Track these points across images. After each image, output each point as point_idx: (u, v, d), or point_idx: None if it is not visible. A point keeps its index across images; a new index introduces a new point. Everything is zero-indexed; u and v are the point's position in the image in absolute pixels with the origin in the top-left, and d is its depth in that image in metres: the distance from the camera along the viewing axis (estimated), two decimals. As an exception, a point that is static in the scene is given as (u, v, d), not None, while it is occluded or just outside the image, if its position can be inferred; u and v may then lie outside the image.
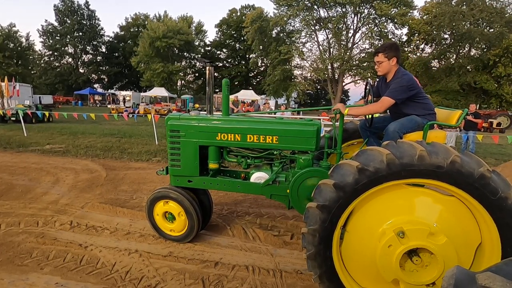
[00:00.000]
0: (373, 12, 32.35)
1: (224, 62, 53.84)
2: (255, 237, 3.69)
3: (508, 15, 28.97)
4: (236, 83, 48.41)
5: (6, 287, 2.67)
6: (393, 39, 33.47)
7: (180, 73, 48.73)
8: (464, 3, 29.56)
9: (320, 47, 36.31)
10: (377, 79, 3.55)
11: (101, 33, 55.91)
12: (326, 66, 34.75)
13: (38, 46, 67.14)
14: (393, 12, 31.29)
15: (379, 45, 31.86)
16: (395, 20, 32.01)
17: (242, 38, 46.19)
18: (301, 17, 34.04)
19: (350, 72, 35.92)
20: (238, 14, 49.37)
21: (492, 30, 29.20)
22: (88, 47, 55.02)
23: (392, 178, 2.09)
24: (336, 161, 3.09)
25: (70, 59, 54.67)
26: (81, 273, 2.89)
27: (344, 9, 33.29)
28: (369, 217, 2.26)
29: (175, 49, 46.68)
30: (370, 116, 3.23)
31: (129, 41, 55.44)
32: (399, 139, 2.76)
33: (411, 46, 35.72)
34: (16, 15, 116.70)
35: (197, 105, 33.84)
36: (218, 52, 53.57)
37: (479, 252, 2.16)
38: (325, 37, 36.09)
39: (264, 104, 18.12)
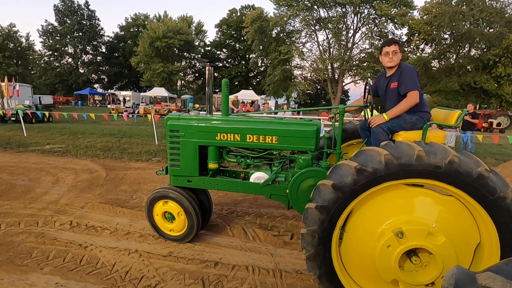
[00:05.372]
0: (373, 12, 32.33)
1: (224, 62, 53.83)
2: (255, 237, 3.69)
3: (508, 15, 28.96)
4: (236, 83, 48.40)
5: (6, 287, 2.67)
6: (393, 39, 33.45)
7: (180, 73, 48.71)
8: (464, 3, 29.55)
9: (320, 47, 36.34)
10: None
11: (101, 33, 55.91)
12: (326, 66, 34.74)
13: (38, 46, 67.41)
14: (393, 12, 31.28)
15: (379, 45, 31.85)
16: (395, 20, 31.99)
17: (242, 38, 46.15)
18: (301, 17, 34.04)
19: (350, 72, 35.92)
20: (238, 14, 49.36)
21: (492, 30, 29.19)
22: (88, 47, 54.98)
23: (390, 178, 2.09)
24: (336, 161, 3.10)
25: (70, 59, 54.64)
26: (81, 273, 2.90)
27: (344, 9, 33.28)
28: (368, 218, 2.27)
29: (175, 49, 46.65)
30: (369, 116, 3.24)
31: (129, 41, 55.42)
32: (388, 135, 2.78)
33: (411, 46, 35.70)
34: (16, 15, 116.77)
35: (197, 105, 33.81)
36: (218, 52, 53.56)
37: (478, 252, 2.16)
38: (325, 37, 36.16)
39: (264, 104, 18.10)
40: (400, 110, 2.90)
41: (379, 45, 3.19)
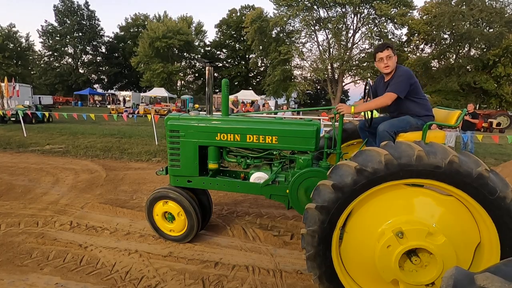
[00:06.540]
0: (373, 12, 32.34)
1: (224, 62, 53.81)
2: (255, 237, 3.69)
3: (507, 15, 28.96)
4: (236, 83, 48.37)
5: (6, 288, 2.68)
6: (393, 39, 33.54)
7: (180, 73, 48.70)
8: (464, 3, 29.55)
9: (320, 47, 36.31)
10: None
11: (101, 34, 55.84)
12: (326, 66, 34.73)
13: (38, 47, 67.34)
14: (393, 12, 31.28)
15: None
16: (395, 20, 32.01)
17: (242, 38, 46.14)
18: (301, 17, 34.02)
19: (350, 72, 35.92)
20: (238, 14, 49.33)
21: (491, 30, 29.21)
22: (88, 48, 54.92)
23: (390, 178, 2.09)
24: (336, 161, 3.10)
25: (70, 60, 54.59)
26: (81, 273, 2.90)
27: (344, 9, 33.28)
28: (368, 218, 2.27)
29: (175, 49, 46.62)
30: (369, 116, 3.24)
31: (129, 42, 55.35)
32: (393, 139, 2.77)
33: (411, 46, 35.75)
34: (16, 15, 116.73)
35: (196, 105, 33.79)
36: (218, 52, 53.53)
37: (478, 252, 2.16)
38: (325, 37, 36.14)
39: (263, 105, 18.08)
40: (368, 107, 2.99)
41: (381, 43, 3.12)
